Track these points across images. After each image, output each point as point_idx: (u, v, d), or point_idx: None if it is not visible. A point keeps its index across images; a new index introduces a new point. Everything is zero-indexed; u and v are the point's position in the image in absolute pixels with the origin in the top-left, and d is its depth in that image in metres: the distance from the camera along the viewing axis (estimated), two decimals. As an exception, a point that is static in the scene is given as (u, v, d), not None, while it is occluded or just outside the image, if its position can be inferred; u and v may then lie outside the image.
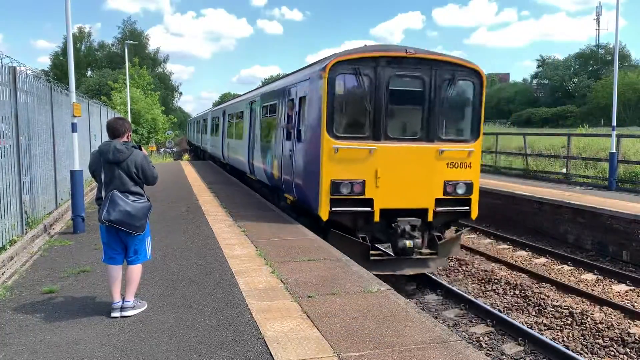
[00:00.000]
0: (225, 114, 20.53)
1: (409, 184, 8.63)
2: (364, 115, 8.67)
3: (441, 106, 8.79)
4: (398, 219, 8.56)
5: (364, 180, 8.50)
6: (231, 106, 19.81)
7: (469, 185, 8.89)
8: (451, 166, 8.83)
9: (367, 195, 8.53)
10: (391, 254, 8.88)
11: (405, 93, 8.89)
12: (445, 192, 8.77)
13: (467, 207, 8.97)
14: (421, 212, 8.70)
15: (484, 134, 11.30)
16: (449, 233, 9.69)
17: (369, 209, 8.57)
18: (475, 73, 9.01)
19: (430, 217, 8.76)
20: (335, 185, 8.43)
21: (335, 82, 8.45)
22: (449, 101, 8.88)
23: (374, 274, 6.64)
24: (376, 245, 9.21)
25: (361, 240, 8.59)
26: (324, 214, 8.50)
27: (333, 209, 8.49)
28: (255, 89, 17.08)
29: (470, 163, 8.94)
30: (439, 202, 8.76)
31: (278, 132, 11.21)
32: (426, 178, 8.69)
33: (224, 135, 20.36)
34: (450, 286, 8.91)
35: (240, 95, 21.81)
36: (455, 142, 8.97)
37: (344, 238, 8.50)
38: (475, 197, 9.00)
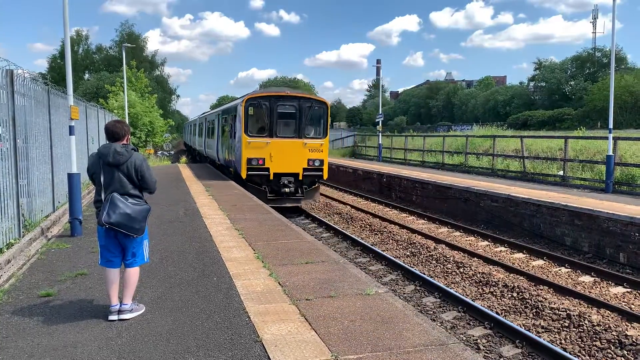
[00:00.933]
0: (206, 120, 27.80)
1: (288, 160, 15.99)
2: (264, 125, 16.09)
3: (305, 120, 16.19)
4: (282, 177, 15.98)
5: (265, 158, 15.85)
6: (209, 115, 27.20)
7: (321, 161, 16.32)
8: (311, 151, 16.15)
9: (266, 166, 15.86)
10: (281, 196, 16.00)
11: (286, 113, 16.13)
12: (308, 164, 16.13)
13: (321, 173, 16.41)
14: (295, 175, 16.09)
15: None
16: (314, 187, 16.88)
17: (267, 172, 15.89)
18: (323, 103, 16.57)
19: (300, 177, 16.12)
20: (249, 161, 15.81)
21: (248, 108, 15.90)
22: (309, 118, 16.33)
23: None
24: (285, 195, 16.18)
25: (264, 189, 15.84)
26: (244, 175, 15.89)
27: (249, 172, 15.85)
28: (222, 105, 25.21)
29: (322, 150, 16.37)
30: (305, 169, 16.12)
31: (229, 134, 18.64)
32: (297, 157, 16.03)
33: (205, 136, 27.88)
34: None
35: (224, 104, 28.87)
36: (313, 139, 16.32)
37: (255, 187, 15.78)
38: (325, 167, 16.47)
